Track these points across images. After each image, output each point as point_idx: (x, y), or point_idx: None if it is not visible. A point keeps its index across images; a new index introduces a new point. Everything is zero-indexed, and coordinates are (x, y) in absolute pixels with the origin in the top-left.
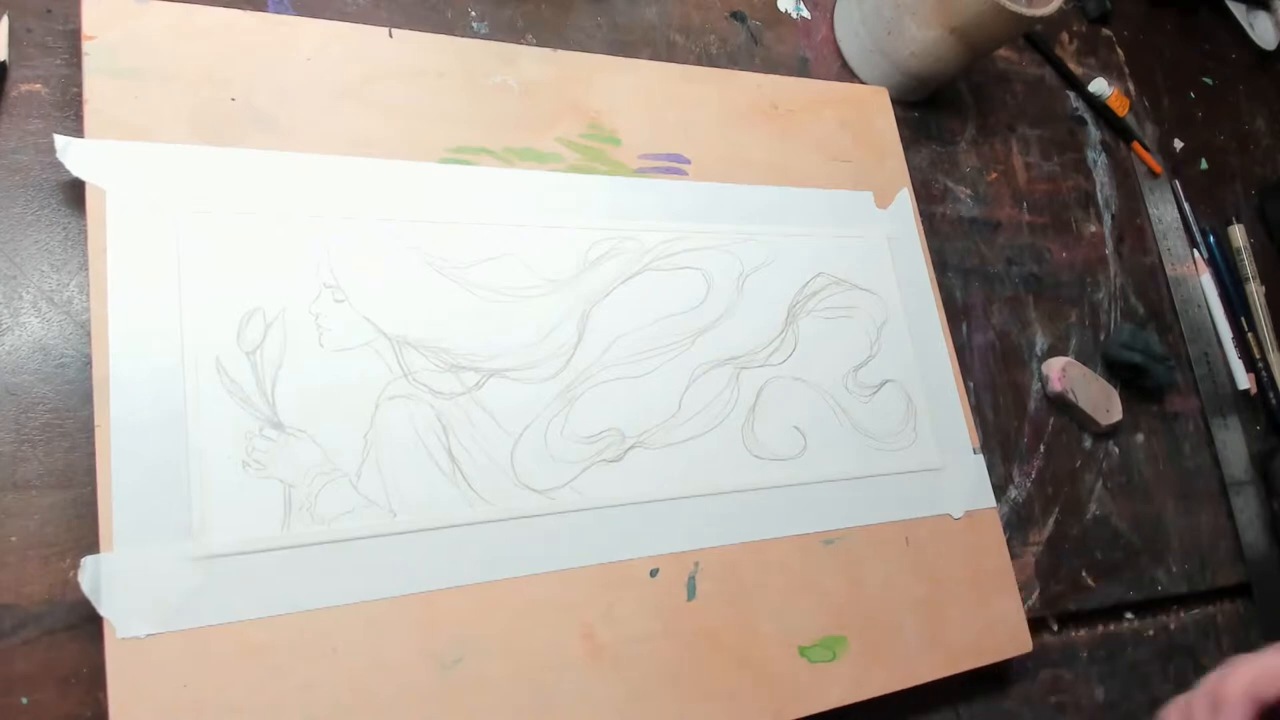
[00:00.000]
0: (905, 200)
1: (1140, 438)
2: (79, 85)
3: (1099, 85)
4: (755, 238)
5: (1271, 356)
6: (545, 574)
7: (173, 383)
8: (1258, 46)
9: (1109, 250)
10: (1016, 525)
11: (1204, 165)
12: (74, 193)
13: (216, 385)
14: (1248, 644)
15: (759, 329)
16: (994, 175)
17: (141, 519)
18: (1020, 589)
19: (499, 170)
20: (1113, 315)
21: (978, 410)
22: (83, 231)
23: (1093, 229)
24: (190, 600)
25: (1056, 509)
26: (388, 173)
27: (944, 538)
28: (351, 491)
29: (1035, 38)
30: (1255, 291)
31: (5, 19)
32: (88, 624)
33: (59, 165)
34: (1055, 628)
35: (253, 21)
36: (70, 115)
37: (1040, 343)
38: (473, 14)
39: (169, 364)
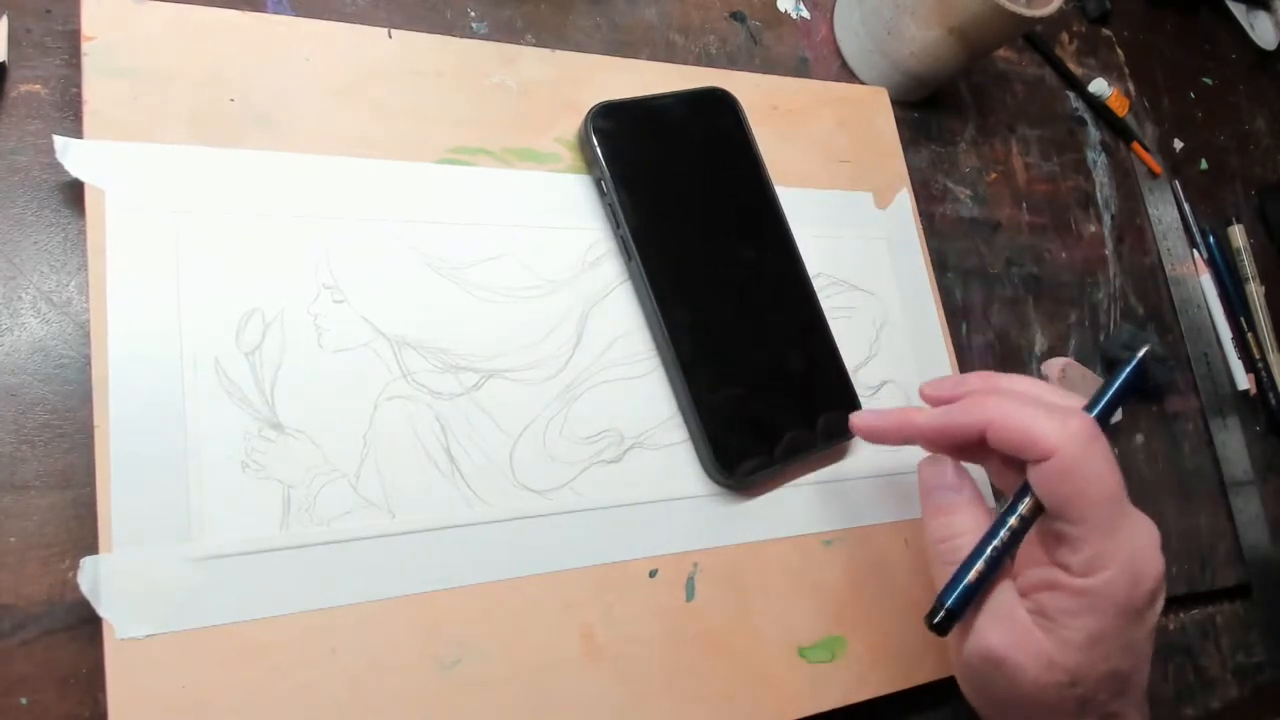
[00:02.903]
0: (905, 200)
1: (1140, 438)
2: (78, 86)
3: (1099, 85)
4: None
5: (1271, 357)
6: (544, 574)
7: (172, 383)
8: (1258, 46)
9: (1109, 250)
10: None
11: (1204, 165)
12: (73, 193)
13: (215, 386)
14: (1247, 644)
15: None
16: (994, 175)
17: (141, 520)
18: None
19: (498, 170)
20: (1113, 315)
21: None
22: (82, 232)
23: (1092, 229)
24: (189, 601)
25: None
26: (386, 173)
27: None
28: (350, 492)
29: (1035, 38)
30: (1255, 292)
31: (4, 19)
32: (87, 625)
33: (58, 166)
34: None
35: (251, 22)
36: (69, 116)
37: (1040, 343)
38: (472, 14)
39: (168, 365)
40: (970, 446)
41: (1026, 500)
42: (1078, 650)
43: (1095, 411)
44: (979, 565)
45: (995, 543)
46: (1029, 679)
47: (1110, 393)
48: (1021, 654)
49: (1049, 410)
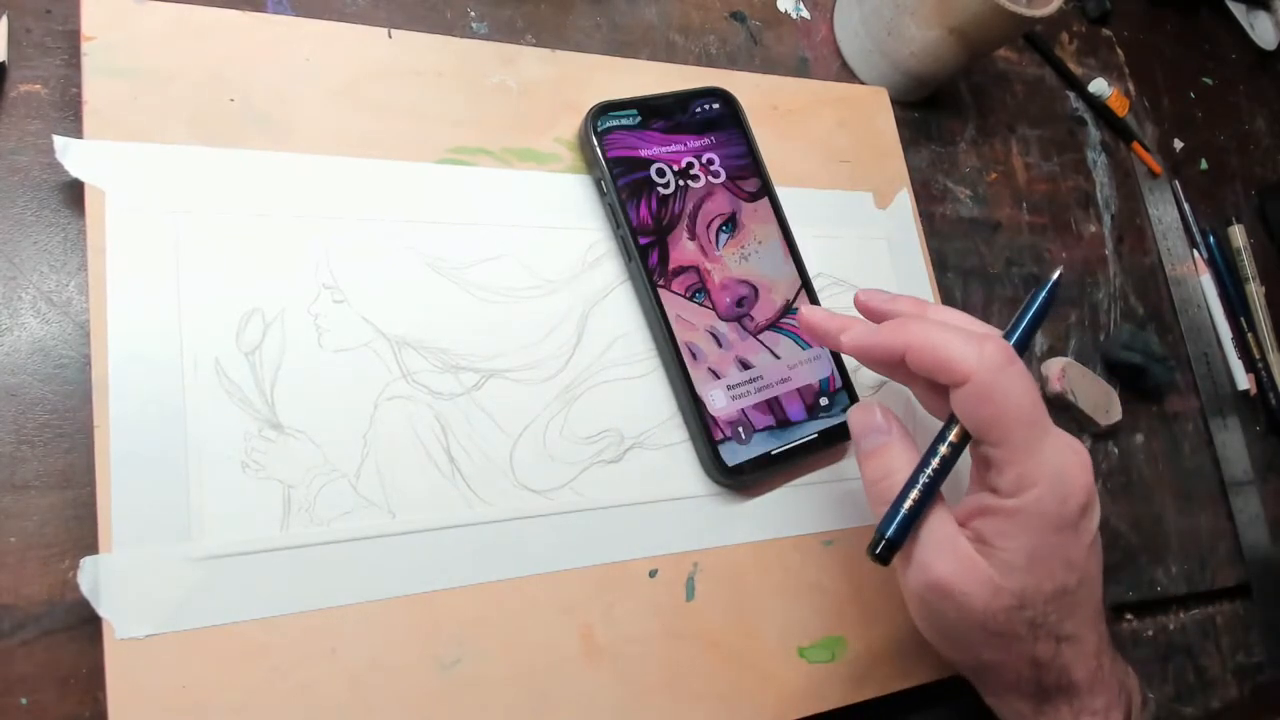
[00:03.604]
0: (905, 200)
1: (1140, 438)
2: (78, 86)
3: (1099, 85)
4: None
5: (1271, 356)
6: (544, 574)
7: (172, 383)
8: (1258, 46)
9: (1109, 250)
10: None
11: (1204, 165)
12: (73, 193)
13: (215, 386)
14: (1247, 644)
15: None
16: (994, 175)
17: (140, 520)
18: None
19: (498, 171)
20: (1112, 315)
21: None
22: (82, 232)
23: (1092, 229)
24: (189, 601)
25: None
26: (386, 173)
27: None
28: (350, 492)
29: (1035, 38)
30: (1255, 292)
31: (4, 19)
32: (87, 625)
33: (58, 166)
34: None
35: (252, 22)
36: (69, 116)
37: (1040, 343)
38: (472, 14)
39: (168, 365)
40: (896, 366)
41: (955, 428)
42: (1020, 572)
43: (1013, 338)
44: (914, 494)
45: (928, 471)
46: (978, 606)
47: (1026, 318)
48: (967, 582)
49: (965, 336)
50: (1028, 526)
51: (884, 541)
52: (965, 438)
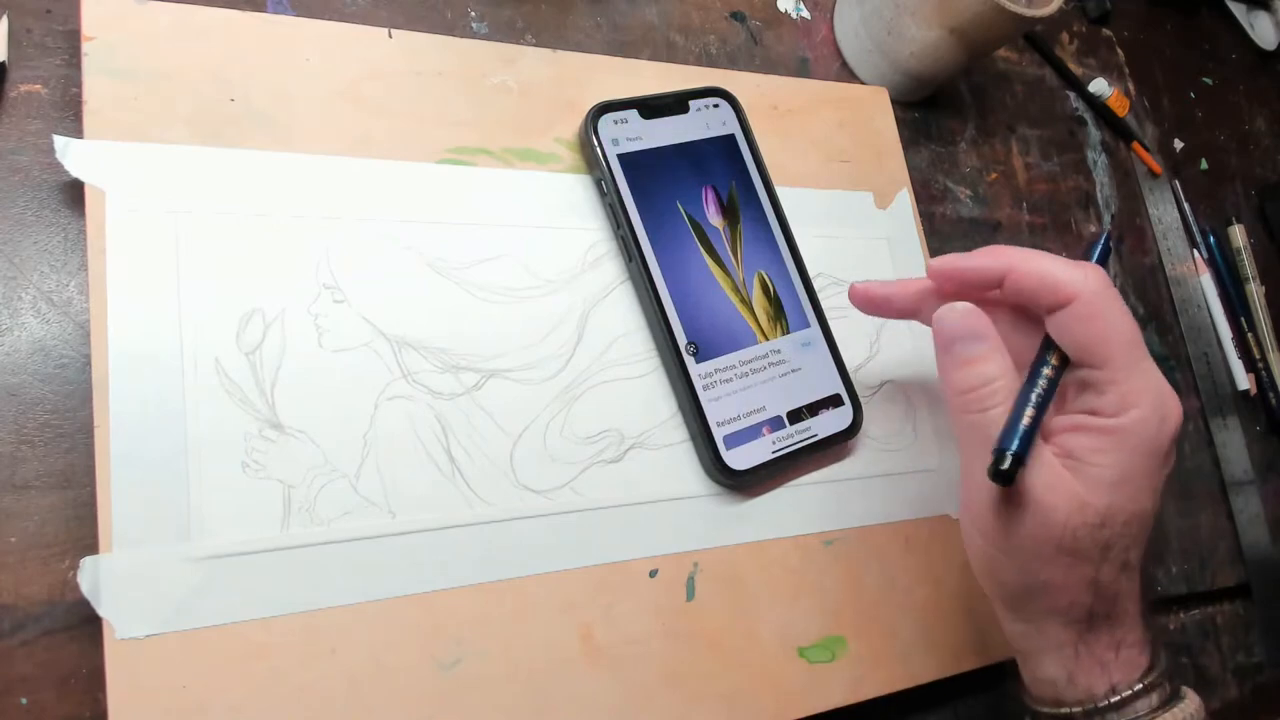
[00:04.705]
0: (905, 200)
1: None
2: (79, 86)
3: (1099, 85)
4: None
5: (1271, 356)
6: (544, 574)
7: (172, 383)
8: (1258, 46)
9: None
10: None
11: (1204, 165)
12: (73, 193)
13: (216, 386)
14: (1247, 644)
15: None
16: (994, 175)
17: (141, 520)
18: None
19: (498, 171)
20: None
21: None
22: (82, 232)
23: (1093, 229)
24: (189, 601)
25: None
26: (387, 173)
27: (944, 538)
28: (351, 492)
29: (1035, 38)
30: (1255, 291)
31: (5, 19)
32: (87, 625)
33: (58, 166)
34: None
35: (252, 22)
36: (70, 116)
37: None
38: (472, 14)
39: (168, 365)
40: (980, 303)
41: (1054, 352)
42: (1108, 489)
43: None
44: (1029, 410)
45: (1037, 390)
46: (1059, 519)
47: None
48: (1054, 494)
49: (1065, 260)
50: (1124, 445)
51: (1011, 456)
52: (1064, 362)
